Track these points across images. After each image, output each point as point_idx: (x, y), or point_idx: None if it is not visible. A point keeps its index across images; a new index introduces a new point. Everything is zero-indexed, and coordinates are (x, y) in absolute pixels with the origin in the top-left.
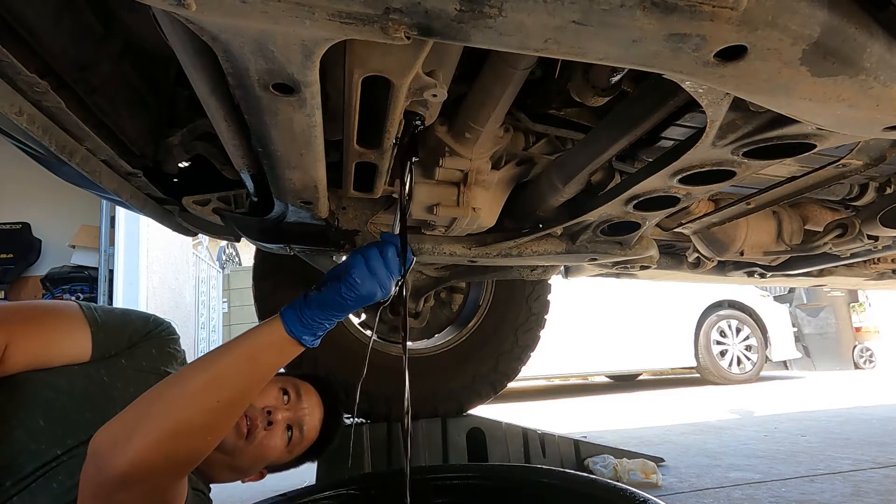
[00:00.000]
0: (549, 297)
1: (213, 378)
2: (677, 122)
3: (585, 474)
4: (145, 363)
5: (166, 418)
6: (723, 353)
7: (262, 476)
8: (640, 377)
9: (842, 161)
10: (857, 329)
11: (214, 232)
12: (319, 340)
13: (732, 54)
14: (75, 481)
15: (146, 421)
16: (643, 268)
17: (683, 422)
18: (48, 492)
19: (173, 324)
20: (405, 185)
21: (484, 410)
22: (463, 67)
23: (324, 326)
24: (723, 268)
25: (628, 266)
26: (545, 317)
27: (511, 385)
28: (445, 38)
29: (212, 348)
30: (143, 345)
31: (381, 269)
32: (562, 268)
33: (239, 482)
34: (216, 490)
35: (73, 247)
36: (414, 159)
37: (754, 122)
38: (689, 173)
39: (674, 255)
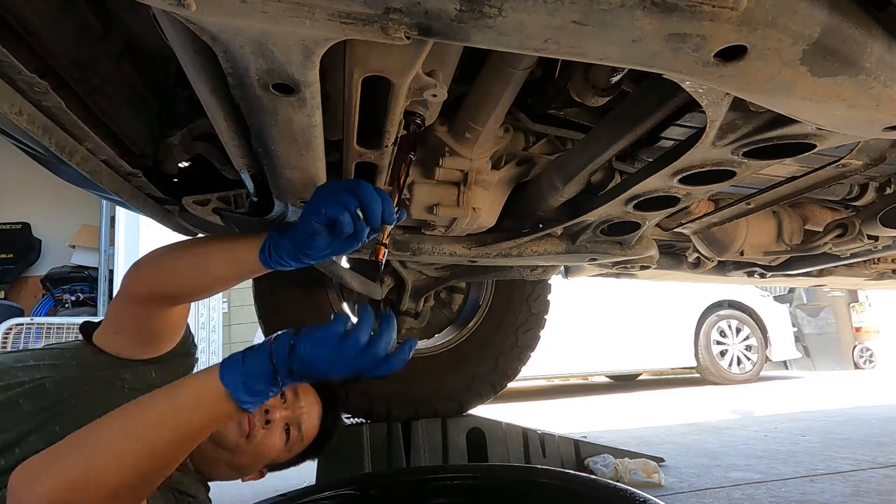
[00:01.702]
0: (549, 297)
1: (129, 428)
2: (677, 122)
3: (585, 474)
4: (169, 378)
5: (76, 465)
6: (723, 353)
7: (261, 475)
8: (640, 377)
9: (842, 161)
10: (857, 329)
11: (214, 232)
12: (257, 405)
13: (732, 54)
14: None
15: (61, 463)
16: (643, 268)
17: (683, 422)
18: None
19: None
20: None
21: (484, 410)
22: (463, 67)
23: (265, 379)
24: (723, 268)
25: (628, 266)
26: (545, 317)
27: (511, 385)
28: (445, 38)
29: (211, 349)
30: (176, 361)
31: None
32: (562, 268)
33: (238, 481)
34: (216, 491)
35: (73, 247)
36: (412, 155)
37: (754, 122)
38: (689, 173)
39: (674, 255)
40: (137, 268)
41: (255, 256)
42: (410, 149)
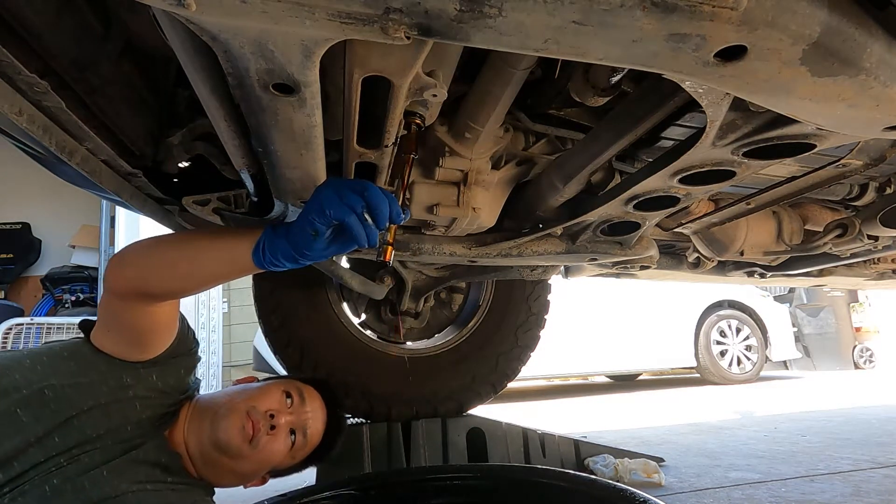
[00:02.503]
0: (549, 297)
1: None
2: (677, 122)
3: (585, 474)
4: (173, 381)
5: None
6: (723, 353)
7: (264, 481)
8: (640, 377)
9: (842, 161)
10: (857, 329)
11: None
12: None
13: (732, 54)
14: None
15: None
16: (643, 268)
17: (683, 422)
18: (39, 493)
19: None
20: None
21: (484, 410)
22: (463, 67)
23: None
24: (723, 268)
25: (628, 266)
26: (545, 317)
27: (511, 385)
28: (445, 38)
29: (211, 349)
30: (177, 362)
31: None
32: (562, 268)
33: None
34: (218, 491)
35: (73, 247)
36: (414, 154)
37: (754, 122)
38: (689, 173)
39: (674, 255)
40: (120, 259)
41: (248, 255)
42: (412, 148)
